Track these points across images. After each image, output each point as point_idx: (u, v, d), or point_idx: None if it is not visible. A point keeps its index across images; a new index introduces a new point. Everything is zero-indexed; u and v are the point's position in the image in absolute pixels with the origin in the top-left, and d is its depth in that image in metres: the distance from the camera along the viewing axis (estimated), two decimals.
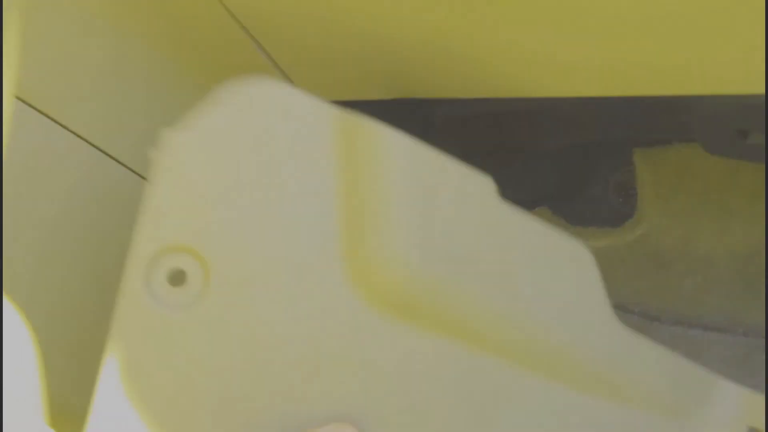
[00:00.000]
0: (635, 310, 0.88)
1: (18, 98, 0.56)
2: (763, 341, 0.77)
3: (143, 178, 0.64)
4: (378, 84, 0.68)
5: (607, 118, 0.77)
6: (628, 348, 0.56)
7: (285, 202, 0.50)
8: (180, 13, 0.68)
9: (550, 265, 0.55)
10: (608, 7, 0.49)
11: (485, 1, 0.53)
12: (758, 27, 0.45)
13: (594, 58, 0.54)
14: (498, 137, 0.86)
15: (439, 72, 0.63)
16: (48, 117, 0.58)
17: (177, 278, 0.48)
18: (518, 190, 0.92)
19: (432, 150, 0.53)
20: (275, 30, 0.67)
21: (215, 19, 0.66)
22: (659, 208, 0.87)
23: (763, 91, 0.49)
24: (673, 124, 0.76)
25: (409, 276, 0.50)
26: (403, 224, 0.50)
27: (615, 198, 0.90)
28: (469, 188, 0.53)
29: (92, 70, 0.64)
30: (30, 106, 0.57)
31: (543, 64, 0.57)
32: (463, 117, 0.78)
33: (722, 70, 0.51)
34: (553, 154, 0.89)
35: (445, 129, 0.83)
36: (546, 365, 0.53)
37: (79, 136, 0.60)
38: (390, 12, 0.58)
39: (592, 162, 0.90)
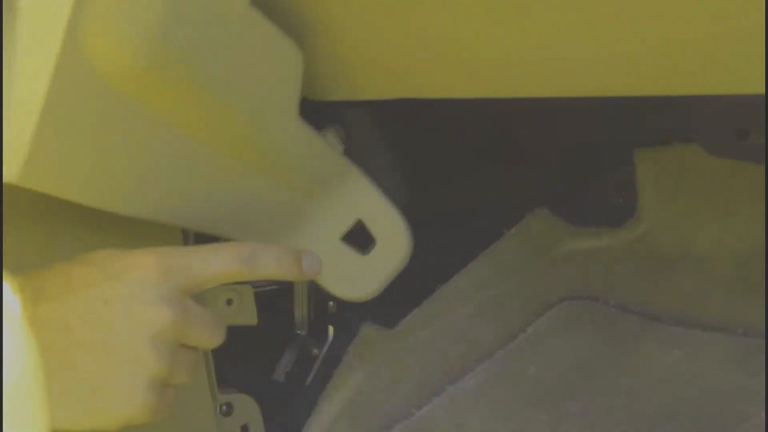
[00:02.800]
0: (635, 310, 0.88)
1: None
2: (763, 341, 0.77)
3: None
4: (378, 84, 0.68)
5: (607, 118, 0.77)
6: (296, 132, 0.62)
7: None
8: None
9: (262, 57, 0.59)
10: (608, 7, 0.49)
11: (485, 1, 0.53)
12: (758, 27, 0.45)
13: (594, 57, 0.54)
14: (497, 137, 0.86)
15: (439, 72, 0.63)
16: None
17: None
18: (518, 191, 0.92)
19: None
20: None
21: None
22: (659, 208, 0.87)
23: (763, 91, 0.49)
24: (673, 124, 0.76)
25: (145, 54, 0.51)
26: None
27: (615, 198, 0.91)
28: None
29: None
30: None
31: (543, 64, 0.57)
32: (463, 117, 0.78)
33: (722, 70, 0.51)
34: (553, 154, 0.89)
35: (445, 129, 0.82)
36: (233, 144, 0.59)
37: None
38: (390, 12, 0.58)
39: (592, 162, 0.90)
